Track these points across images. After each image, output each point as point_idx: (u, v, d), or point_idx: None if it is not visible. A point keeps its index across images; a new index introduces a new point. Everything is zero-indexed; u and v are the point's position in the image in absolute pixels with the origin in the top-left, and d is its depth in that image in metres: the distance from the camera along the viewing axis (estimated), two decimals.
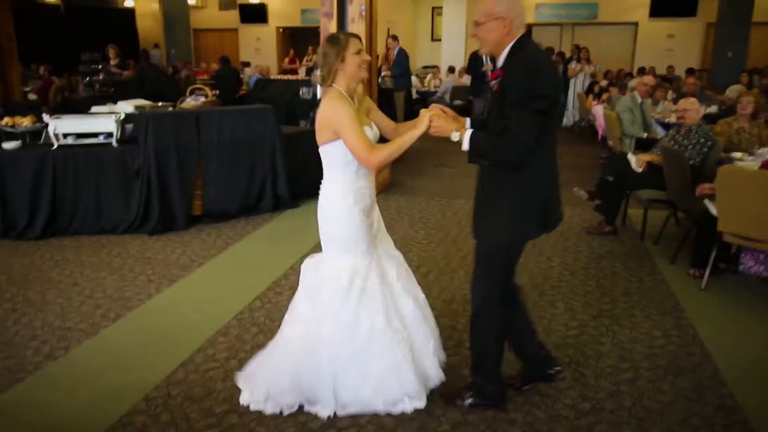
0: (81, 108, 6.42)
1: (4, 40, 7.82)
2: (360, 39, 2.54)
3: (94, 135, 5.02)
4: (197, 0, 17.49)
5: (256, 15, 17.74)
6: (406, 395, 2.57)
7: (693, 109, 4.86)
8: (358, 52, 2.48)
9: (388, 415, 2.58)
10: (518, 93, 2.24)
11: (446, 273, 4.25)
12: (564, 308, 3.71)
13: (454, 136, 2.35)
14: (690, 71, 12.03)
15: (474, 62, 9.00)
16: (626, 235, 5.15)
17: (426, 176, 7.33)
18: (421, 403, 2.58)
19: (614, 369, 3.02)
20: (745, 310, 3.72)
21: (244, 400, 2.66)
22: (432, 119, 2.39)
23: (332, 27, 6.09)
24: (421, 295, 2.82)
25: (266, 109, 5.48)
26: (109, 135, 4.99)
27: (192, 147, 5.05)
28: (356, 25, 6.05)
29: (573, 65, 10.76)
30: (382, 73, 9.25)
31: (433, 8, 16.80)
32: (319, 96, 6.46)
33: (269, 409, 2.59)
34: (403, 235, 5.05)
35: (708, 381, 2.92)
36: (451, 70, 12.07)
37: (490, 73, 6.83)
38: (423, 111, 2.47)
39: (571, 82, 10.80)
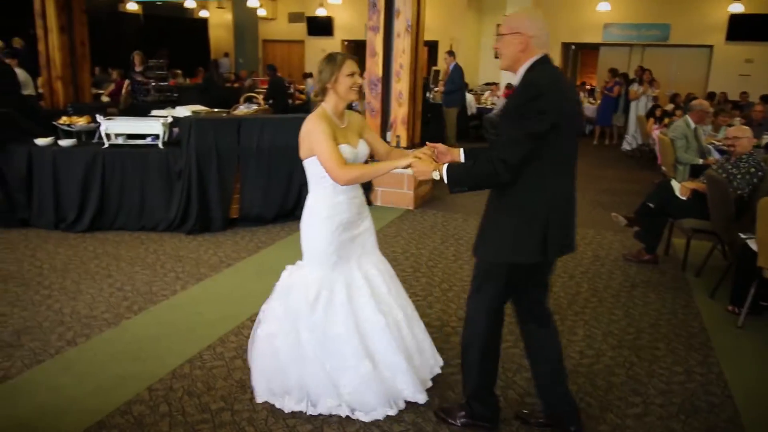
0: (147, 110, 6.75)
1: (78, 45, 8.29)
2: (356, 61, 2.58)
3: (143, 137, 5.26)
4: (268, 12, 18.05)
5: (322, 28, 18.14)
6: (379, 405, 2.62)
7: (744, 137, 4.62)
8: (352, 74, 2.53)
9: (376, 425, 2.58)
10: (514, 113, 2.24)
11: (467, 291, 4.18)
12: (583, 335, 3.58)
13: (435, 175, 2.38)
14: (764, 98, 11.43)
15: None
16: (667, 265, 4.92)
17: (469, 192, 7.25)
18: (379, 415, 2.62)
19: (623, 402, 2.89)
20: None
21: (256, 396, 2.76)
22: (413, 164, 2.42)
23: (378, 41, 6.17)
24: (409, 311, 2.79)
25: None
26: (156, 137, 5.22)
27: (232, 152, 5.21)
28: (402, 40, 6.10)
29: (635, 87, 10.42)
30: (434, 89, 9.26)
31: (498, 25, 16.67)
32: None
33: (276, 403, 2.69)
34: (432, 250, 5.02)
35: (724, 423, 2.75)
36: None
37: None
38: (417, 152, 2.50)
39: (633, 104, 10.46)
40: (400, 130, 6.35)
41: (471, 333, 2.49)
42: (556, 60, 16.68)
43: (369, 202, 6.41)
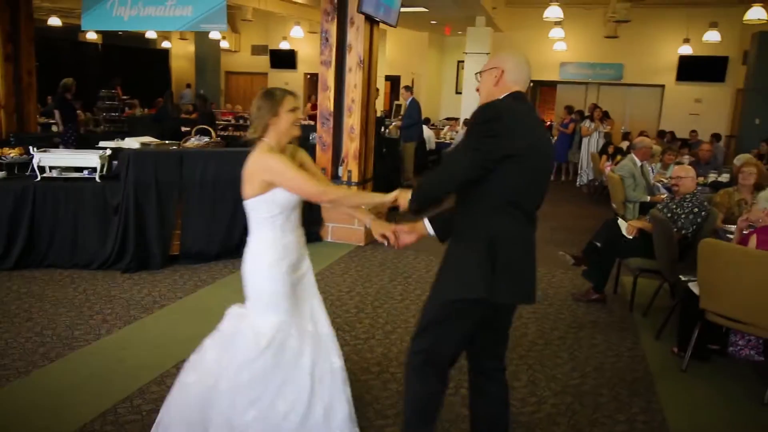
0: (95, 141, 6.49)
1: (24, 74, 8.03)
2: (296, 97, 2.48)
3: (80, 170, 5.04)
4: (231, 44, 18.00)
5: (286, 61, 18.16)
6: None
7: (688, 176, 4.65)
8: (293, 110, 2.43)
9: None
10: (469, 132, 2.21)
11: (410, 332, 4.04)
12: (526, 381, 3.46)
13: (428, 230, 2.41)
14: (715, 136, 11.76)
15: None
16: (615, 304, 4.88)
17: None
18: None
19: None
20: (725, 397, 3.41)
21: None
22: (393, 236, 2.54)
23: (330, 76, 6.11)
24: (337, 364, 2.60)
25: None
26: (93, 170, 5.00)
27: (173, 186, 5.02)
28: (353, 74, 6.05)
29: (587, 124, 10.61)
30: (390, 124, 9.24)
31: (459, 62, 16.94)
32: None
33: None
34: (379, 288, 4.88)
35: None
36: (466, 123, 12.01)
37: None
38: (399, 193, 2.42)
39: (584, 141, 10.63)
40: (351, 165, 6.25)
41: (410, 381, 2.36)
42: None
43: (319, 238, 6.28)
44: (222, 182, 5.22)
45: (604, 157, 9.72)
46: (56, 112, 9.35)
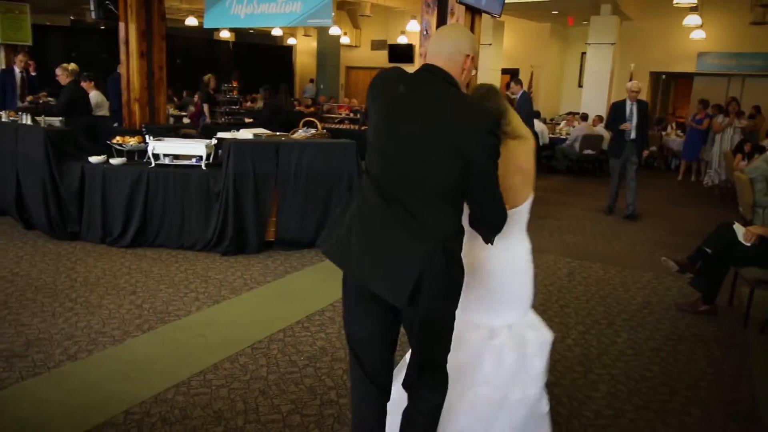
0: (215, 132, 6.97)
1: (156, 69, 8.74)
2: None
3: (188, 157, 5.40)
4: (351, 40, 18.45)
5: (403, 55, 18.26)
6: None
7: None
8: None
9: None
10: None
11: None
12: (606, 392, 3.22)
13: None
14: None
15: (614, 114, 7.62)
16: (728, 318, 4.40)
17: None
18: None
19: None
20: None
21: None
22: None
23: None
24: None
25: (348, 144, 5.54)
26: (200, 158, 5.34)
27: (269, 175, 5.22)
28: None
29: (719, 119, 9.64)
30: None
31: (582, 53, 16.13)
32: None
33: None
34: None
35: None
36: (584, 117, 11.40)
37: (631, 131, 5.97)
38: None
39: (717, 138, 9.68)
40: None
41: None
42: (644, 87, 15.86)
43: None
44: (316, 172, 5.35)
45: (739, 156, 8.79)
46: (205, 106, 10.13)
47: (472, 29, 6.00)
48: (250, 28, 18.04)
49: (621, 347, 3.80)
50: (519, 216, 2.33)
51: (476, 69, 2.16)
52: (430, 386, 2.06)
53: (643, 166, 13.50)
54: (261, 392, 3.03)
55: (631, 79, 15.22)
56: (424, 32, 6.07)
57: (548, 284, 4.91)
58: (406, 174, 1.89)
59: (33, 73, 8.48)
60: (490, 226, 2.06)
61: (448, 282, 1.90)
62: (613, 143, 7.93)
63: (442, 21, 5.94)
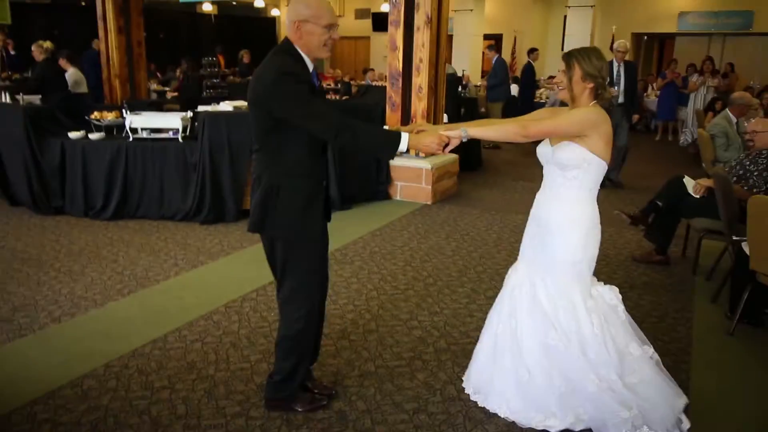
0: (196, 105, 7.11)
1: (135, 45, 8.84)
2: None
3: (165, 131, 5.57)
4: (336, 10, 18.33)
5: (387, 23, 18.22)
6: None
7: (765, 131, 4.28)
8: None
9: None
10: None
11: (450, 287, 4.16)
12: None
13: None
14: None
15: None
16: (680, 267, 4.66)
17: (497, 188, 7.15)
18: None
19: None
20: (766, 361, 3.22)
21: None
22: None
23: (399, 35, 6.18)
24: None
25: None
26: (176, 131, 5.51)
27: (245, 145, 5.40)
28: (421, 33, 6.08)
29: (694, 78, 9.80)
30: (468, 84, 9.13)
31: (566, 16, 16.14)
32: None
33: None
34: (432, 245, 5.00)
35: None
36: (549, 78, 11.54)
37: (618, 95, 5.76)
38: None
39: (690, 97, 9.85)
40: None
41: None
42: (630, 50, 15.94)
43: (388, 196, 6.47)
44: None
45: (710, 114, 8.99)
46: None
47: None
48: (232, 0, 18.01)
49: None
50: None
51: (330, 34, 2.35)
52: None
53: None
54: (232, 345, 3.27)
55: (613, 41, 15.40)
56: (393, 0, 6.19)
57: (513, 242, 5.14)
58: None
59: (12, 52, 8.51)
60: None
61: None
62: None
63: None
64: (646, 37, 16.96)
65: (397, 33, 6.20)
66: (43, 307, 3.70)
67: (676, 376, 3.02)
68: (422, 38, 6.10)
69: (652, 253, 4.70)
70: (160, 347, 3.24)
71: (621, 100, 7.02)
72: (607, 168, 2.56)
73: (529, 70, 10.38)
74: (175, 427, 2.57)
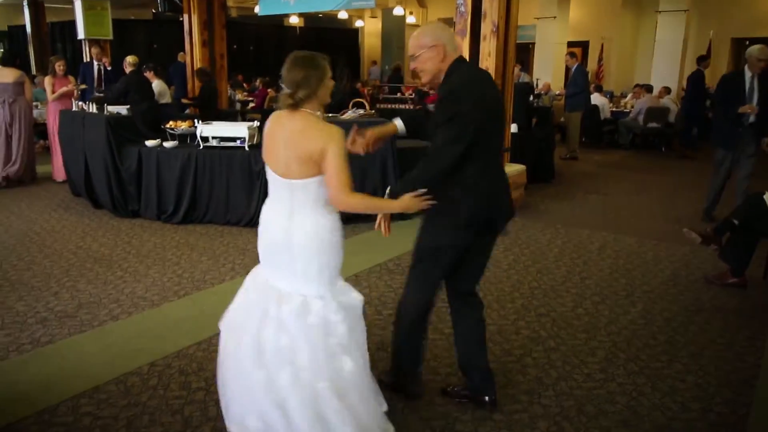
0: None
1: (218, 58, 9.26)
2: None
3: (233, 139, 5.78)
4: (417, 19, 18.46)
5: None
6: None
7: None
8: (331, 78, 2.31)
9: None
10: (441, 116, 2.35)
11: (500, 301, 4.03)
12: (602, 357, 3.28)
13: (399, 126, 2.64)
14: None
15: (725, 92, 5.90)
16: (758, 291, 4.28)
17: (567, 201, 6.87)
18: None
19: None
20: None
21: None
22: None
23: (465, 45, 6.10)
24: None
25: (381, 121, 5.72)
26: (243, 140, 5.70)
27: None
28: (487, 42, 5.98)
29: None
30: (543, 93, 8.87)
31: (658, 22, 15.36)
32: None
33: None
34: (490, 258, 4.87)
35: None
36: (649, 89, 10.97)
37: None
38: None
39: None
40: None
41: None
42: (724, 56, 14.94)
43: None
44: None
45: None
46: None
47: (507, 3, 6.01)
48: (318, 13, 18.51)
49: (633, 317, 3.81)
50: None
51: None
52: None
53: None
54: None
55: (710, 47, 14.48)
56: (460, 9, 6.13)
57: (575, 257, 4.93)
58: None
59: (108, 67, 9.17)
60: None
61: None
62: (721, 130, 5.91)
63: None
64: (748, 43, 15.82)
65: (463, 42, 6.11)
66: (105, 305, 3.93)
67: (733, 412, 2.78)
68: (488, 47, 5.99)
69: (726, 274, 4.35)
70: (204, 349, 3.34)
71: (752, 119, 5.64)
72: None
73: (698, 80, 9.48)
74: (204, 429, 2.64)
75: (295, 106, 2.23)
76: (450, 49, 2.38)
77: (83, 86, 8.69)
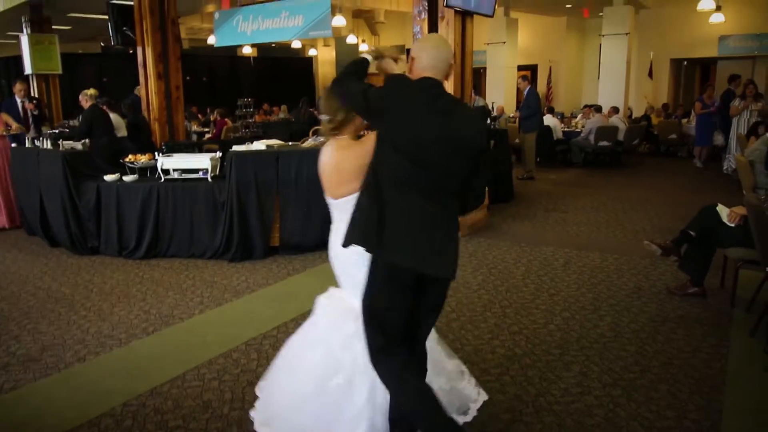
0: (230, 145, 7.24)
1: (173, 89, 9.16)
2: None
3: (195, 171, 5.71)
4: (370, 47, 18.73)
5: None
6: None
7: None
8: None
9: None
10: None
11: (473, 321, 4.07)
12: (578, 371, 3.35)
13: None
14: None
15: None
16: (717, 299, 4.45)
17: (529, 220, 7.02)
18: None
19: None
20: None
21: None
22: None
23: None
24: None
25: None
26: (206, 171, 5.65)
27: (271, 183, 5.49)
28: None
29: (736, 102, 9.51)
30: (500, 115, 9.10)
31: (601, 45, 16.02)
32: None
33: None
34: (457, 278, 4.91)
35: None
36: (598, 109, 11.38)
37: None
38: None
39: (734, 122, 9.55)
40: None
41: None
42: (664, 75, 15.64)
43: None
44: (316, 178, 5.56)
45: (752, 138, 8.67)
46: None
47: (463, 32, 6.18)
48: (271, 43, 18.59)
49: (602, 330, 3.91)
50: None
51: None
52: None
53: (663, 154, 13.40)
54: (249, 383, 3.26)
55: (651, 67, 15.17)
56: (416, 38, 6.26)
57: (542, 275, 5.03)
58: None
59: (35, 112, 8.38)
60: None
61: None
62: None
63: (433, 25, 6.13)
64: (685, 63, 16.66)
65: None
66: (71, 347, 3.79)
67: (707, 418, 2.87)
68: None
69: (687, 284, 4.51)
70: (178, 386, 3.26)
71: None
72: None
73: (728, 99, 9.99)
74: None
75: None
76: (418, 66, 2.34)
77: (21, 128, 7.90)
